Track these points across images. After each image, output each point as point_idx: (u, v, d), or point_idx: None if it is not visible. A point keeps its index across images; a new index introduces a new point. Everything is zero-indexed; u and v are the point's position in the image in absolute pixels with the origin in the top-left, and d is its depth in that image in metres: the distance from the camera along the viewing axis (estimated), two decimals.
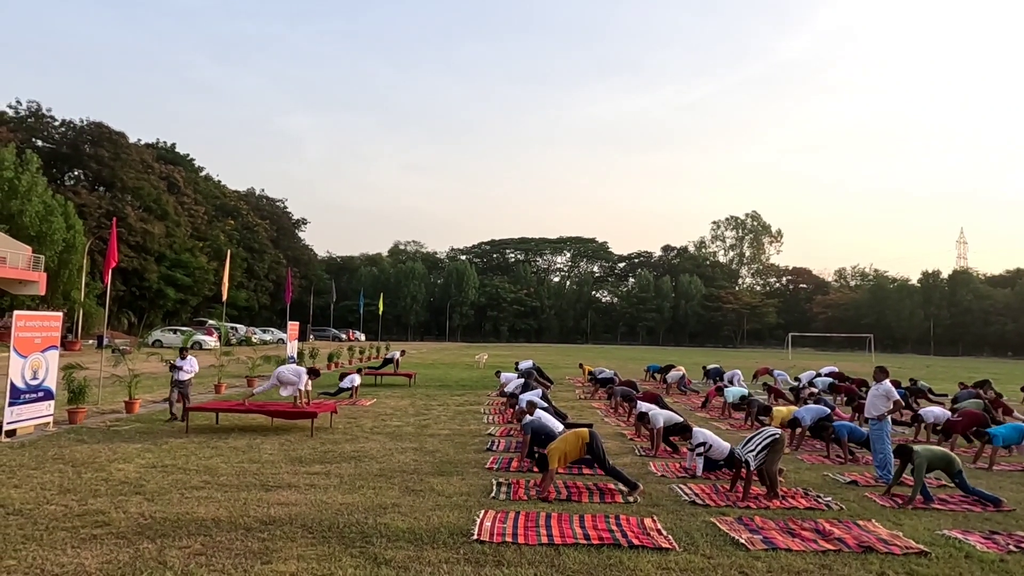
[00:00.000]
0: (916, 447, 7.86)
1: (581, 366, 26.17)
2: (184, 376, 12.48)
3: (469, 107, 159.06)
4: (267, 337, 49.27)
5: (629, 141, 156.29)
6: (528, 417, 9.69)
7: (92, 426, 11.45)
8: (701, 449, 8.74)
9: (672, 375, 21.24)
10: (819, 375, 20.96)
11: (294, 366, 14.01)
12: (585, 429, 8.11)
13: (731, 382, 19.08)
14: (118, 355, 15.60)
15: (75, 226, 39.03)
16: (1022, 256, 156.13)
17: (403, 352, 26.27)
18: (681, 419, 10.69)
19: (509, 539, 5.87)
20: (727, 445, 8.57)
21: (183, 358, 12.63)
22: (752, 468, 7.72)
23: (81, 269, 38.14)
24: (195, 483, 7.63)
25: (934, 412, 12.25)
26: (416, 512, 6.68)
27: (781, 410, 12.21)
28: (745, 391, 15.65)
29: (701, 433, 8.92)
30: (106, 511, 6.41)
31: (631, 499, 7.40)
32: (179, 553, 5.35)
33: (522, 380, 15.43)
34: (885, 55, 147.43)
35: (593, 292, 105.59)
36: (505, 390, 15.81)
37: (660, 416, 10.56)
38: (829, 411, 11.63)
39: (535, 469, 8.49)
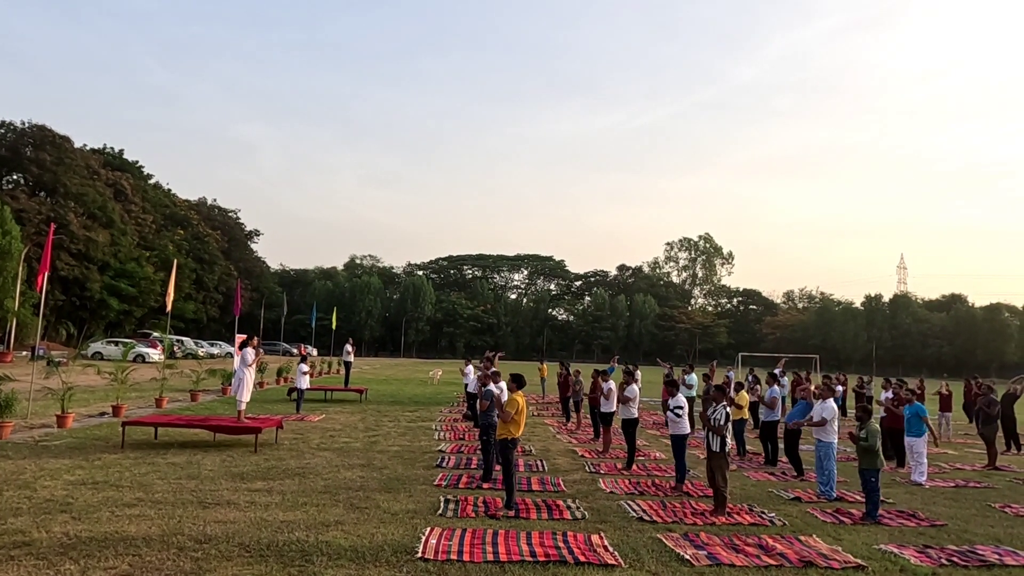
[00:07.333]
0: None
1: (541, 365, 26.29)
2: None
3: (428, 122, 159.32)
4: (214, 350, 47.88)
5: (587, 161, 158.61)
6: (491, 385, 9.60)
7: (18, 441, 10.87)
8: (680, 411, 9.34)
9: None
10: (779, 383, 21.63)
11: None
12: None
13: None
14: (52, 367, 14.87)
15: (11, 232, 37.24)
16: (957, 282, 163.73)
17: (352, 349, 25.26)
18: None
19: (454, 556, 5.76)
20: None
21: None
22: None
23: (16, 277, 36.20)
24: (127, 500, 7.29)
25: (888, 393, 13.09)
26: (360, 529, 6.51)
27: (744, 395, 12.38)
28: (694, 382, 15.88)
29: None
30: (27, 530, 6.06)
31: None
32: (104, 574, 5.08)
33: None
34: (831, 84, 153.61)
35: (550, 310, 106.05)
36: (466, 382, 16.91)
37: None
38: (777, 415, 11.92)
39: (484, 486, 8.64)
